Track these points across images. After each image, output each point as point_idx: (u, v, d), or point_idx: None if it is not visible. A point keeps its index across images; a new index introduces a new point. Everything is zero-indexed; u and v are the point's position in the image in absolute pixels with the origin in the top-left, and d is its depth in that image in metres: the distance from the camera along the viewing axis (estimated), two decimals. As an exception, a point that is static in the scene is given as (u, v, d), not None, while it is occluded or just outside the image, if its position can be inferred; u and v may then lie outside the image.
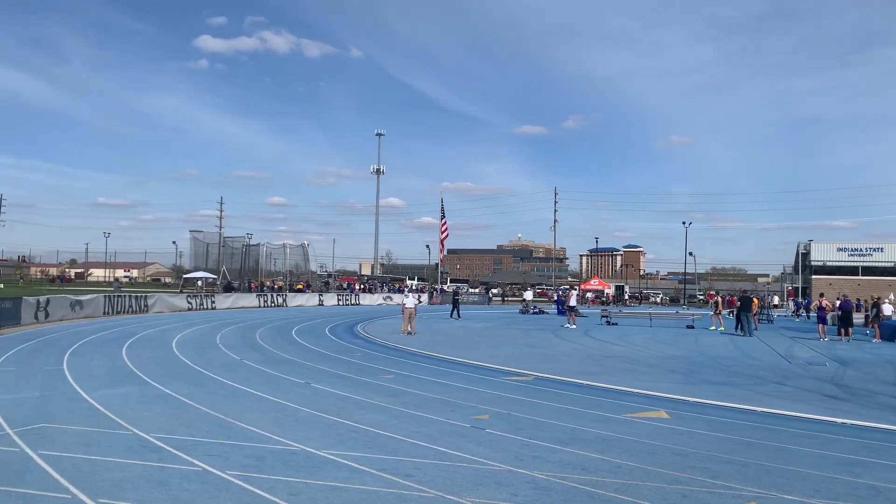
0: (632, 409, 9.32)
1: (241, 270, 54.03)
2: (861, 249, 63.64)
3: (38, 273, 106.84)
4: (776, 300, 52.55)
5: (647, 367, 14.72)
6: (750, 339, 22.82)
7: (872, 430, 8.31)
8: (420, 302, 43.79)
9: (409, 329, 21.69)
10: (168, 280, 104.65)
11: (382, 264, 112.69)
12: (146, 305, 31.15)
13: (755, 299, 28.01)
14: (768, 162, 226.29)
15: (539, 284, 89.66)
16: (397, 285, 70.17)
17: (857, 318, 27.33)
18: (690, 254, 72.87)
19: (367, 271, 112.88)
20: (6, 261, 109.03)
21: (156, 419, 8.01)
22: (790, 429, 8.25)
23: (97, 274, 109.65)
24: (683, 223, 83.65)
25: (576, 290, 45.46)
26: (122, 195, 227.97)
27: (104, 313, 27.72)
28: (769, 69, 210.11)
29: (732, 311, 33.27)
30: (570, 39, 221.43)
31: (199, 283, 52.68)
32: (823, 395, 11.22)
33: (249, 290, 45.95)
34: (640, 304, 65.23)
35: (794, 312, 45.03)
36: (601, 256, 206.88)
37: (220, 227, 74.43)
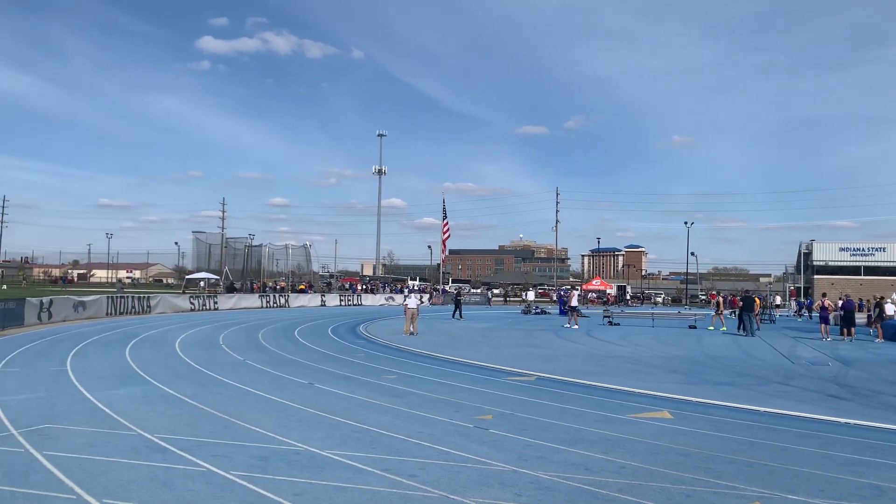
0: (635, 410, 9.33)
1: (243, 271, 54.05)
2: (863, 249, 63.59)
3: (41, 274, 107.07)
4: (778, 300, 52.54)
5: (650, 367, 14.72)
6: (752, 339, 22.81)
7: (876, 431, 8.30)
8: (422, 303, 43.80)
9: (412, 329, 21.71)
10: (170, 281, 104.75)
11: (384, 265, 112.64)
12: (149, 306, 31.20)
13: (757, 299, 27.98)
14: (770, 161, 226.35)
15: (541, 285, 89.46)
16: (399, 286, 70.13)
17: (860, 318, 27.30)
18: (692, 254, 72.95)
19: (368, 272, 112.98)
20: (9, 262, 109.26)
21: (160, 420, 8.03)
22: (794, 429, 8.25)
23: (100, 275, 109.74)
24: (685, 223, 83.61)
25: (577, 290, 45.39)
26: (124, 196, 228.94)
27: (107, 314, 27.77)
28: (771, 68, 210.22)
29: (734, 311, 33.27)
30: (571, 39, 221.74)
31: (202, 283, 52.66)
32: (827, 395, 11.21)
33: (252, 291, 45.97)
34: (642, 304, 65.19)
35: (796, 312, 45.00)
36: (603, 257, 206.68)
37: (223, 228, 74.67)
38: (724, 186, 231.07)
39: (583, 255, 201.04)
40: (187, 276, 60.68)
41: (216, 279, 52.79)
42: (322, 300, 45.98)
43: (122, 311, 28.94)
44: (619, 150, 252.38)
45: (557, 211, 76.53)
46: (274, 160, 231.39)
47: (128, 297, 30.87)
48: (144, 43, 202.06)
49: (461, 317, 32.14)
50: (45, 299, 23.77)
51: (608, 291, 67.23)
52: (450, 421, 8.28)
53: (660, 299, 72.56)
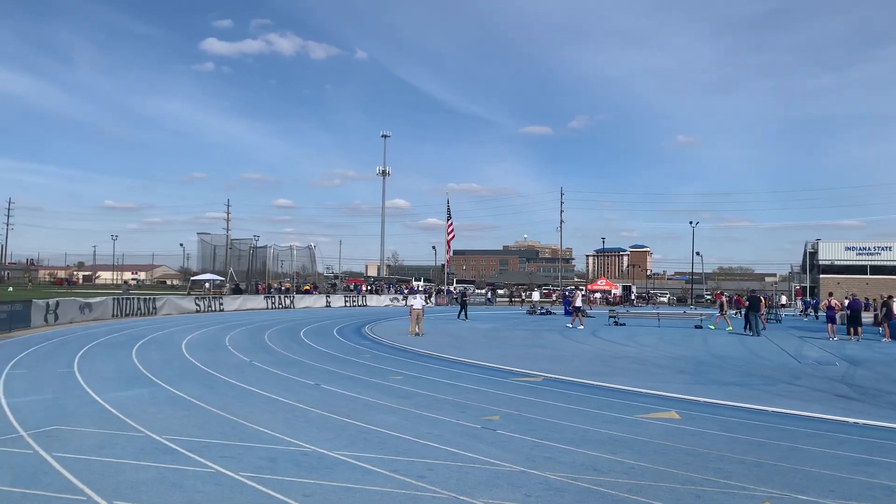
0: (642, 410, 9.31)
1: (248, 272, 54.15)
2: (869, 248, 63.35)
3: (47, 276, 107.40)
4: (784, 300, 52.33)
5: (657, 367, 14.69)
6: (758, 338, 22.73)
7: (886, 430, 8.26)
8: (427, 303, 43.83)
9: (417, 330, 21.71)
10: (175, 282, 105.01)
11: (389, 265, 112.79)
12: (154, 308, 31.29)
13: (763, 299, 27.91)
14: (775, 161, 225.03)
15: (545, 285, 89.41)
16: (403, 286, 70.19)
17: (867, 317, 27.20)
18: (697, 253, 72.79)
19: (373, 272, 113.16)
20: (15, 264, 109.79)
21: (168, 421, 8.05)
22: (802, 429, 8.22)
23: (105, 276, 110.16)
24: (690, 223, 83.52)
25: (582, 290, 45.31)
26: (129, 198, 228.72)
27: (113, 315, 27.86)
28: (776, 68, 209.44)
29: (740, 311, 33.19)
30: (576, 39, 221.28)
31: (207, 285, 52.80)
32: (834, 394, 11.17)
33: (257, 292, 46.10)
34: (647, 304, 65.06)
35: (802, 312, 44.84)
36: (608, 257, 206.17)
37: (228, 230, 74.76)
38: (729, 186, 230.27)
39: (587, 256, 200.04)
40: (192, 278, 60.82)
41: (221, 280, 52.92)
42: (327, 301, 46.06)
43: (128, 312, 29.04)
44: (624, 150, 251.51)
45: (562, 211, 76.47)
46: (278, 161, 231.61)
47: (134, 298, 30.95)
48: (149, 45, 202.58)
49: (466, 317, 32.15)
50: (52, 301, 23.87)
51: (613, 291, 67.22)
52: (457, 422, 8.28)
53: (665, 299, 72.41)
